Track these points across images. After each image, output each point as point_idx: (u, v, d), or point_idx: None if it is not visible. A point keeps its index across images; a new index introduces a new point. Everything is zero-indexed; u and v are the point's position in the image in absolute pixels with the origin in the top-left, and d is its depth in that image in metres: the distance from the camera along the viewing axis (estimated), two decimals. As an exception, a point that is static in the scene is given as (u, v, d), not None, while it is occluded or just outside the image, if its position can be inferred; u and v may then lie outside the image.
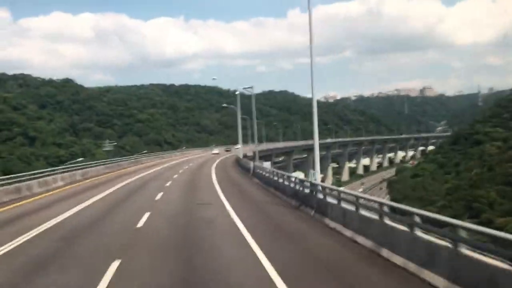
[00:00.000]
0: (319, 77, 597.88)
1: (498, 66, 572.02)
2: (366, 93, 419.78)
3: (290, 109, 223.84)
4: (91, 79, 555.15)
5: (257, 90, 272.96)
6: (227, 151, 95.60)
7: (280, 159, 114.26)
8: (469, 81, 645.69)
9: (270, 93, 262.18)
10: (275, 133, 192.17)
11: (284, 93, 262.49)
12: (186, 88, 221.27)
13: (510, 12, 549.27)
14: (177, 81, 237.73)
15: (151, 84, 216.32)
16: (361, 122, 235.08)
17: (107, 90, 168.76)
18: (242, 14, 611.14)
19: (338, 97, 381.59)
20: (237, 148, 67.16)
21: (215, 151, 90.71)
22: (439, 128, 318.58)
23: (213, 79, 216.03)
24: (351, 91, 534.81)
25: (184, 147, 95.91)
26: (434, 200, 59.32)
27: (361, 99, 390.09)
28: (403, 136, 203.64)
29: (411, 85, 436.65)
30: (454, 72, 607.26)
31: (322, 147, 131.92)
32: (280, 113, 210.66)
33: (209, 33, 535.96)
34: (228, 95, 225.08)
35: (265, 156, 71.50)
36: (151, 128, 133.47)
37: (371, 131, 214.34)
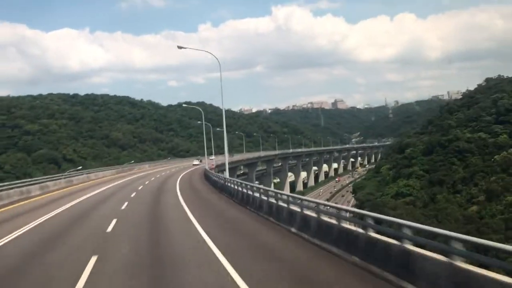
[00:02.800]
0: (233, 91, 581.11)
1: (397, 82, 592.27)
2: (280, 106, 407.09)
3: (212, 120, 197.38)
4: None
5: (172, 101, 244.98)
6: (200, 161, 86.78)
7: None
8: (372, 96, 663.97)
9: (188, 104, 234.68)
10: (198, 146, 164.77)
11: (202, 105, 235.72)
12: (92, 98, 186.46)
13: (406, 32, 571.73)
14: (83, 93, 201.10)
15: (50, 94, 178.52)
16: (285, 134, 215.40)
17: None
18: (151, 27, 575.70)
19: (254, 110, 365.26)
20: (211, 158, 64.29)
21: (196, 162, 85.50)
22: (354, 140, 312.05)
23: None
24: (263, 105, 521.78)
25: (81, 167, 60.56)
26: (491, 239, 37.32)
27: (277, 112, 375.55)
28: (348, 146, 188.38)
29: (322, 98, 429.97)
30: (358, 87, 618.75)
31: (264, 161, 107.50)
32: (201, 125, 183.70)
33: (116, 46, 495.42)
34: (141, 106, 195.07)
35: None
36: (44, 142, 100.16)
37: (295, 143, 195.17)
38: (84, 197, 29.35)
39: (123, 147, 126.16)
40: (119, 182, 43.68)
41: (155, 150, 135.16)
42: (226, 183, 27.65)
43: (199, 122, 71.14)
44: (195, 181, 42.14)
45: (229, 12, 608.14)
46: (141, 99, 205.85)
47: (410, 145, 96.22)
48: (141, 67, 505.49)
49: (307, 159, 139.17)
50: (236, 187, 24.27)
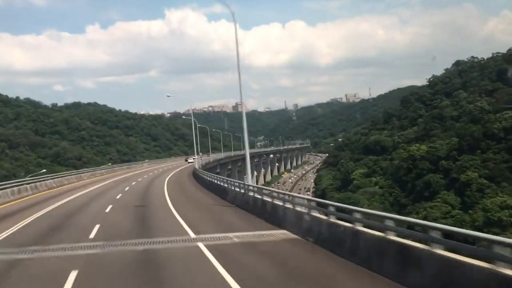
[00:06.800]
0: (126, 95, 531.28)
1: (289, 87, 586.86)
2: (179, 111, 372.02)
3: (108, 121, 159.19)
4: None
5: (59, 102, 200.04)
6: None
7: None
8: (267, 101, 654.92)
9: (77, 105, 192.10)
10: (94, 152, 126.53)
11: (94, 105, 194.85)
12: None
13: (297, 39, 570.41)
14: None
15: None
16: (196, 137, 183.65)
17: None
18: (32, 27, 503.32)
19: (151, 113, 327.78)
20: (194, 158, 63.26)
21: (190, 160, 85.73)
22: (259, 143, 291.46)
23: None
24: (158, 110, 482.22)
25: None
26: None
27: (176, 116, 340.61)
28: (275, 148, 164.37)
29: (219, 103, 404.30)
30: (253, 93, 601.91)
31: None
32: (96, 127, 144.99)
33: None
34: (17, 105, 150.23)
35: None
36: None
37: (207, 146, 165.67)
38: None
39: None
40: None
41: (33, 158, 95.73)
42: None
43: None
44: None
45: (119, 14, 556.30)
46: (17, 97, 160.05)
47: (379, 142, 71.86)
48: (22, 69, 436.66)
49: (239, 164, 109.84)
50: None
